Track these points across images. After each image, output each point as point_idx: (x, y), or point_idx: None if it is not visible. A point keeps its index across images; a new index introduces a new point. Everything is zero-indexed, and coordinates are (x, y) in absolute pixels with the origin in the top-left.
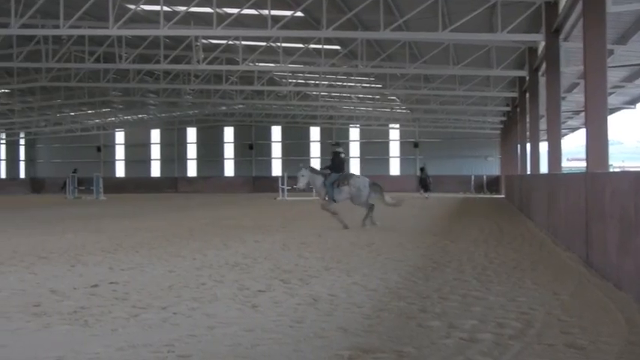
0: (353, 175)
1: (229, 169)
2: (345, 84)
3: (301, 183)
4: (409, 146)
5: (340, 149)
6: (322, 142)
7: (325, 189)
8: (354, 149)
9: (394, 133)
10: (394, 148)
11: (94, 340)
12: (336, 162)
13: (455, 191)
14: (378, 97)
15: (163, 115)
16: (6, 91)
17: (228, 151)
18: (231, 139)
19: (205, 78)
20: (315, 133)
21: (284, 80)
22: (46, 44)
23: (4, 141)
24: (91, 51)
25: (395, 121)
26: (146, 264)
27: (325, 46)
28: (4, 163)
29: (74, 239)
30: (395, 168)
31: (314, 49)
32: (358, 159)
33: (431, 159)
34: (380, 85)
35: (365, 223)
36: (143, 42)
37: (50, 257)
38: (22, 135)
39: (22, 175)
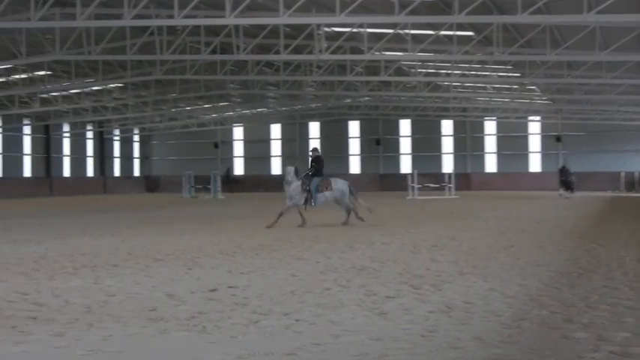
0: (334, 179)
1: (355, 166)
2: (479, 73)
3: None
4: (551, 140)
5: (320, 154)
6: (455, 136)
7: (305, 193)
8: (490, 144)
9: (534, 126)
10: (534, 143)
11: (212, 348)
12: (320, 166)
13: (602, 189)
14: (515, 87)
15: (284, 108)
16: (119, 85)
17: (354, 146)
18: (357, 134)
19: (328, 69)
20: (447, 126)
21: (413, 70)
22: (160, 35)
23: (117, 137)
24: (207, 42)
25: (535, 113)
26: (267, 267)
27: (457, 33)
28: (117, 160)
29: (191, 240)
30: (535, 164)
31: (445, 35)
32: (495, 154)
33: (575, 154)
34: (518, 74)
35: (347, 222)
36: (262, 31)
37: (166, 259)
38: (135, 131)
39: (137, 172)
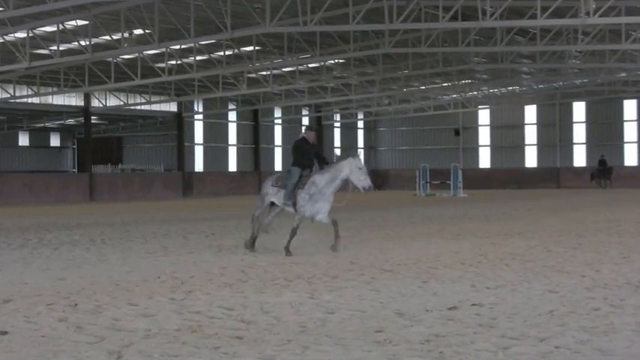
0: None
1: (632, 157)
2: None
3: None
4: None
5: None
6: None
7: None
8: None
9: None
10: None
11: None
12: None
13: None
14: None
15: (541, 86)
16: (340, 61)
17: (630, 132)
18: (634, 117)
19: (598, 35)
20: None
21: None
22: (390, 0)
23: (338, 124)
24: (446, 6)
25: None
26: (519, 281)
27: None
28: (338, 151)
29: (426, 248)
30: None
31: None
32: None
33: None
34: None
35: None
36: None
37: (396, 270)
38: (360, 116)
39: None
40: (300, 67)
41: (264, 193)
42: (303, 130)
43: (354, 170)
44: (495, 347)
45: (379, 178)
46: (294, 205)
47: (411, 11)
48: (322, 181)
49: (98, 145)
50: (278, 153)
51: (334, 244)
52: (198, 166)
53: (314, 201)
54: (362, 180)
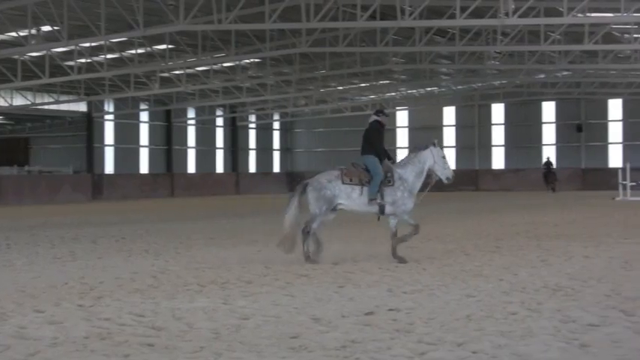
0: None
1: (551, 159)
2: None
3: None
4: None
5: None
6: None
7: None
8: None
9: None
10: None
11: None
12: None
13: None
14: None
15: (460, 87)
16: (256, 60)
17: (548, 134)
18: (552, 119)
19: (517, 36)
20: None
21: (626, 36)
22: None
23: (253, 125)
24: (364, 5)
25: None
26: (436, 286)
27: None
28: (253, 153)
29: (343, 252)
30: None
31: None
32: None
33: None
34: None
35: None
36: None
37: (312, 275)
38: (275, 117)
39: (277, 168)
40: (214, 67)
41: (329, 195)
42: (375, 114)
43: (438, 160)
44: (412, 353)
45: (294, 181)
46: (381, 205)
47: (329, 10)
48: (410, 176)
49: (4, 146)
50: (192, 154)
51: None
52: (109, 168)
53: (410, 198)
54: (446, 169)
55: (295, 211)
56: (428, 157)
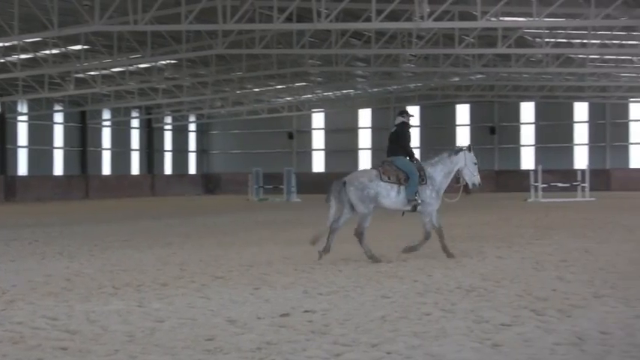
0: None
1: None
2: (624, 42)
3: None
4: None
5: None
6: (591, 122)
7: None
8: (637, 131)
9: None
10: None
11: None
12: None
13: None
14: None
15: (375, 90)
16: (172, 61)
17: (462, 136)
18: (466, 121)
19: (432, 39)
20: (580, 110)
21: (538, 40)
22: (223, 0)
23: (169, 127)
24: (280, 7)
25: None
26: (351, 287)
27: None
28: (169, 155)
29: (258, 254)
30: None
31: None
32: None
33: None
34: None
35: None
36: None
37: (228, 277)
38: (191, 119)
39: (193, 170)
40: (130, 68)
41: (372, 194)
42: (400, 115)
43: (469, 164)
44: (327, 354)
45: (211, 183)
46: (417, 203)
47: (245, 12)
48: (439, 175)
49: None
50: (107, 156)
51: (417, 244)
52: (22, 169)
53: (437, 199)
54: (475, 176)
55: (334, 211)
56: (460, 159)
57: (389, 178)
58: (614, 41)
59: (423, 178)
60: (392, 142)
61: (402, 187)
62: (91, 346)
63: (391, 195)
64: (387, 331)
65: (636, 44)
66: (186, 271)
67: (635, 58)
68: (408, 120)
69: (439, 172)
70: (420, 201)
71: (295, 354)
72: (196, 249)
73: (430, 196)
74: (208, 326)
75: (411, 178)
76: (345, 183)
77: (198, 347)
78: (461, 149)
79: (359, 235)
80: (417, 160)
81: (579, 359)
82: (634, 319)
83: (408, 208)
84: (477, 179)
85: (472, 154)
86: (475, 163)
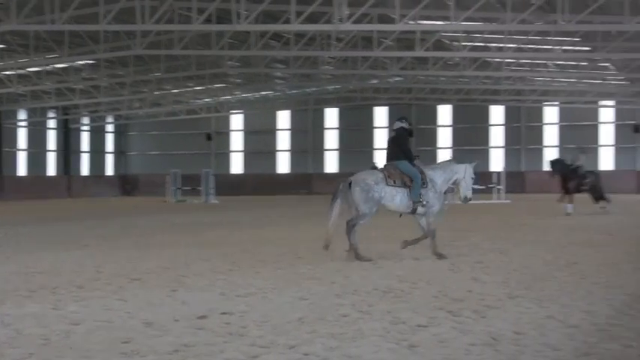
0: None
1: (382, 162)
2: (538, 47)
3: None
4: (627, 131)
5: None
6: (507, 125)
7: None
8: (551, 134)
9: (606, 113)
10: (606, 134)
11: None
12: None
13: None
14: (584, 63)
15: (294, 92)
16: (90, 62)
17: (380, 138)
18: (384, 123)
19: (350, 42)
20: (496, 114)
21: (455, 43)
22: (142, 0)
23: (86, 127)
24: (200, 8)
25: (608, 96)
26: (269, 289)
27: None
28: (86, 156)
29: (176, 256)
30: (607, 160)
31: (497, 0)
32: (556, 148)
33: None
34: (588, 48)
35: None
36: None
37: (145, 279)
38: (109, 119)
39: (110, 171)
40: (47, 68)
41: (377, 197)
42: (399, 120)
43: (467, 178)
44: (245, 356)
45: (128, 184)
46: (419, 206)
47: (164, 12)
48: (439, 179)
49: None
50: (22, 157)
51: (414, 239)
52: None
53: (439, 200)
54: (468, 190)
55: (337, 212)
56: (460, 170)
57: (394, 182)
58: (530, 45)
59: (424, 182)
60: (392, 146)
61: (407, 190)
62: (4, 350)
63: (395, 198)
64: (304, 332)
65: (550, 49)
66: (102, 273)
67: (549, 63)
68: (407, 125)
69: (439, 177)
70: (425, 202)
71: (212, 356)
72: (113, 251)
73: (433, 198)
74: (125, 329)
75: (415, 181)
76: (350, 183)
77: (115, 350)
78: (466, 163)
79: (350, 227)
80: (416, 164)
81: (494, 358)
82: (547, 320)
83: (409, 210)
84: (470, 193)
85: (472, 169)
86: (472, 178)
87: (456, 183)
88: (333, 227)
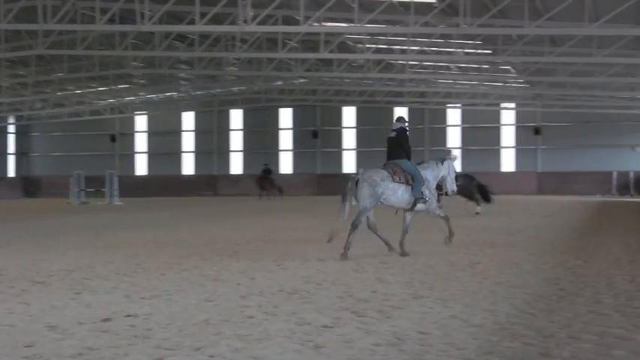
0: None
1: (287, 165)
2: (441, 50)
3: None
4: (528, 133)
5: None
6: (411, 127)
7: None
8: (454, 137)
9: (508, 116)
10: (507, 136)
11: None
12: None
13: (590, 193)
14: (486, 66)
15: (199, 93)
16: None
17: (285, 140)
18: (289, 125)
19: (255, 43)
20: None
21: (360, 46)
22: None
23: None
24: (103, 7)
25: (509, 99)
26: (174, 291)
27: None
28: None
29: (80, 258)
30: (508, 162)
31: (400, 2)
32: (459, 150)
33: (556, 149)
34: (489, 51)
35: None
36: None
37: (48, 282)
38: (11, 120)
39: (12, 173)
40: None
41: (379, 192)
42: (399, 121)
43: (451, 173)
44: (150, 358)
45: (31, 186)
46: (419, 202)
47: (67, 12)
48: (431, 177)
49: None
50: None
51: (448, 230)
52: None
53: (434, 196)
54: (452, 184)
55: (348, 211)
56: (445, 167)
57: (399, 179)
58: (432, 48)
59: (422, 180)
60: (392, 146)
61: (409, 187)
62: None
63: (398, 194)
64: (210, 334)
65: (453, 51)
66: (4, 276)
67: (451, 65)
68: (406, 126)
69: (430, 175)
70: (427, 198)
71: (117, 359)
72: (15, 253)
73: (429, 194)
74: (28, 332)
75: (416, 179)
76: (357, 180)
77: (17, 354)
78: (446, 158)
79: (354, 227)
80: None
81: (398, 358)
82: (450, 319)
83: (409, 206)
84: (454, 187)
85: (454, 164)
86: (455, 172)
87: (442, 179)
88: (341, 222)
